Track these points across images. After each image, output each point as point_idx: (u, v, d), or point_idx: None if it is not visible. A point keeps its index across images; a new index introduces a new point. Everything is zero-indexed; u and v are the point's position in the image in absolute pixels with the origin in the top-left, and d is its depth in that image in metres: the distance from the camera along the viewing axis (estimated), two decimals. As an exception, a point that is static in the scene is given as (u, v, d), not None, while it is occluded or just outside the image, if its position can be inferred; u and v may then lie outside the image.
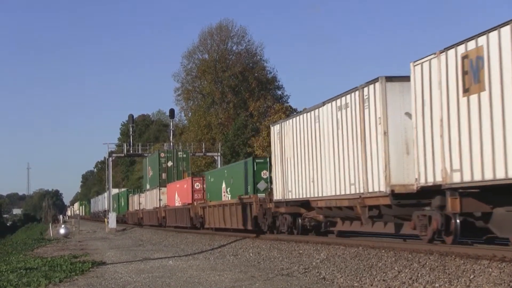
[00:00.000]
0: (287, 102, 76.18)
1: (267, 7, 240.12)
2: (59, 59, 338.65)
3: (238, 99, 76.55)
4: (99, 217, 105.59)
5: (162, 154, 57.59)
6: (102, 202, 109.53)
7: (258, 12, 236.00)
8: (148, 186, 63.97)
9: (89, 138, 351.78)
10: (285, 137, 26.37)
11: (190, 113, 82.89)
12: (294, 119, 25.73)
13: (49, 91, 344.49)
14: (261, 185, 32.24)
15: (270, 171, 29.97)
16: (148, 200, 62.40)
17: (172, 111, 70.64)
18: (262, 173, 32.29)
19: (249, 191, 32.69)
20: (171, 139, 69.17)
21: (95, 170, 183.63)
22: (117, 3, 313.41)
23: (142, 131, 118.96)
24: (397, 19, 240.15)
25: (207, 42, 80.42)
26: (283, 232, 27.54)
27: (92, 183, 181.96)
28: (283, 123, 26.90)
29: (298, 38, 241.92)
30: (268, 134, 55.46)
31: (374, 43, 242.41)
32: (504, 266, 12.93)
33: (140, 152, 69.86)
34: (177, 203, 47.92)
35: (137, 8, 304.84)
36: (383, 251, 17.61)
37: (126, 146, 67.86)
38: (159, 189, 55.63)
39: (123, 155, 68.87)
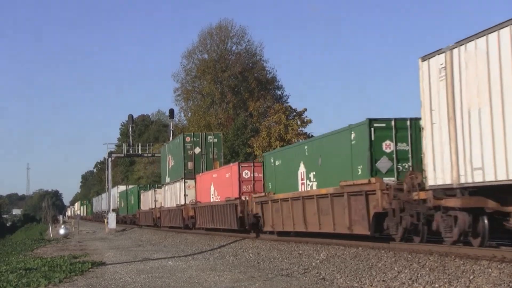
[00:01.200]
0: (287, 102, 76.03)
1: (267, 7, 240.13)
2: (59, 59, 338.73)
3: (237, 99, 76.49)
4: (103, 217, 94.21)
5: (188, 138, 45.45)
6: (106, 201, 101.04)
7: (258, 12, 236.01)
8: (167, 179, 52.68)
9: (89, 139, 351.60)
10: (464, 71, 15.55)
11: (189, 113, 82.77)
12: (492, 35, 14.57)
13: (49, 91, 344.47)
14: (384, 164, 20.59)
15: (397, 141, 20.31)
16: (167, 196, 52.21)
17: (171, 111, 70.60)
18: (384, 144, 20.55)
19: (359, 173, 21.06)
20: (170, 139, 69.12)
21: (95, 170, 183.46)
22: (117, 3, 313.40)
23: (141, 131, 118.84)
24: (397, 18, 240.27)
25: (207, 42, 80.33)
26: (448, 240, 16.77)
27: (92, 184, 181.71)
28: (457, 49, 15.79)
29: (298, 38, 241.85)
30: (268, 134, 55.51)
31: (374, 43, 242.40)
32: (503, 267, 12.93)
33: (139, 152, 69.80)
34: (214, 198, 38.16)
35: (137, 8, 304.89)
36: (383, 251, 17.61)
37: (126, 146, 67.84)
38: (184, 182, 45.14)
39: (122, 155, 68.87)
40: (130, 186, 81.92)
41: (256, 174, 32.86)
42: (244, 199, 32.39)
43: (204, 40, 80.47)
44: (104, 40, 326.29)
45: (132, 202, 73.52)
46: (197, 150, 45.09)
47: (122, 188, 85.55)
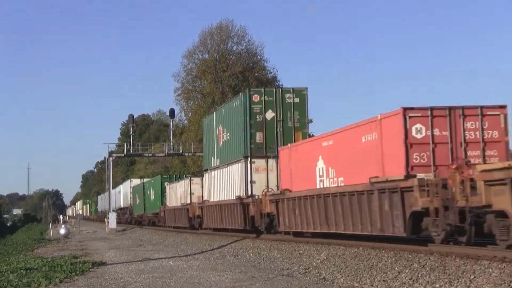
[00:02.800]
0: (288, 102, 76.04)
1: (267, 7, 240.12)
2: (59, 58, 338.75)
3: (238, 99, 76.54)
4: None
5: (256, 97, 30.93)
6: (114, 198, 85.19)
7: (258, 12, 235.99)
8: (216, 162, 37.01)
9: (89, 138, 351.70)
10: None
11: (190, 113, 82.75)
12: None
13: (49, 91, 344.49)
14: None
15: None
16: (214, 186, 37.11)
17: (172, 111, 70.57)
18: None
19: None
20: (171, 139, 69.13)
21: (95, 170, 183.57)
22: (118, 3, 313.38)
23: (142, 131, 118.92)
24: (396, 17, 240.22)
25: (207, 42, 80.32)
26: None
27: (93, 183, 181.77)
28: None
29: (298, 38, 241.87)
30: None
31: (375, 43, 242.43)
32: (504, 267, 12.93)
33: (140, 152, 69.76)
34: (329, 182, 22.62)
35: (137, 8, 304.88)
36: (383, 251, 17.61)
37: (126, 146, 67.80)
38: (250, 163, 30.30)
39: (123, 155, 68.78)
40: (146, 179, 70.57)
41: (437, 132, 18.15)
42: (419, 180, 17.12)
43: (204, 40, 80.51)
44: (105, 39, 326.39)
45: (153, 197, 60.00)
46: (270, 114, 30.71)
47: (136, 181, 74.79)
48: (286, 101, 30.77)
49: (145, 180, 69.48)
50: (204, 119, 42.16)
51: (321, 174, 23.09)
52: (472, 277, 12.89)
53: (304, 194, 23.80)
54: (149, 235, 46.06)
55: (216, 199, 36.02)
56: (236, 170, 32.28)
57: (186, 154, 68.13)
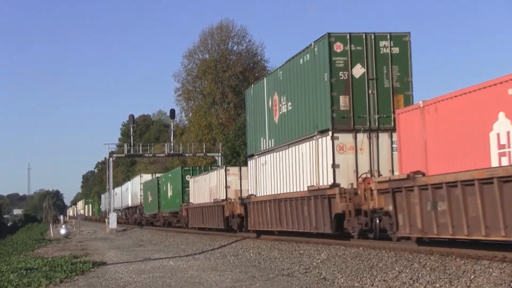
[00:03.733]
0: (288, 102, 76.08)
1: (267, 7, 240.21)
2: (59, 58, 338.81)
3: (238, 99, 76.53)
4: (120, 218, 75.55)
5: (339, 46, 22.13)
6: (119, 196, 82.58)
7: (259, 12, 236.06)
8: (268, 144, 28.41)
9: (90, 138, 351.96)
10: None
11: (190, 113, 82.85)
12: None
13: (49, 91, 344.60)
14: None
15: None
16: (266, 175, 28.50)
17: (172, 111, 70.60)
18: None
19: None
20: (171, 140, 69.17)
21: (96, 170, 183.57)
22: (118, 3, 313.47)
23: (142, 132, 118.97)
24: (396, 16, 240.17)
25: (208, 42, 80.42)
26: None
27: (93, 184, 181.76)
28: None
29: (298, 38, 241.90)
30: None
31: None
32: (504, 267, 12.93)
33: (140, 152, 69.81)
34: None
35: (137, 8, 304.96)
36: (384, 251, 17.62)
37: (127, 146, 67.81)
38: (331, 139, 21.76)
39: (123, 155, 68.79)
40: (159, 174, 63.22)
41: None
42: None
43: (205, 40, 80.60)
44: (105, 40, 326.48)
45: (170, 194, 51.63)
46: (358, 70, 22.04)
47: (147, 177, 68.36)
48: (381, 52, 22.28)
49: (159, 174, 62.36)
50: (248, 91, 32.29)
51: (503, 142, 14.27)
52: (472, 277, 12.90)
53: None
54: (150, 235, 46.06)
55: (269, 193, 27.72)
56: (305, 151, 23.89)
57: (187, 155, 68.14)
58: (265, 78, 29.41)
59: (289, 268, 18.82)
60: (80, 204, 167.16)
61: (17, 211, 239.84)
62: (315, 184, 22.75)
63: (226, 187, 35.70)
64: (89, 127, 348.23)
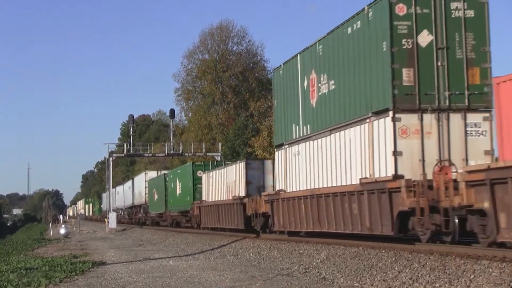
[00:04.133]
0: (288, 102, 76.10)
1: (267, 7, 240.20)
2: (59, 58, 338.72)
3: (238, 99, 76.59)
4: (117, 216, 69.58)
5: (401, 8, 18.21)
6: (122, 195, 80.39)
7: (259, 12, 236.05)
8: (302, 131, 24.59)
9: (89, 138, 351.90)
10: None
11: (190, 113, 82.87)
12: None
13: (49, 91, 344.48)
14: None
15: None
16: (299, 167, 24.67)
17: (172, 111, 70.59)
18: None
19: None
20: (171, 139, 69.18)
21: (96, 170, 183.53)
22: (118, 3, 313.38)
23: (142, 131, 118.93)
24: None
25: (208, 42, 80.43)
26: None
27: (93, 183, 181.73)
28: None
29: (298, 38, 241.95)
30: (269, 134, 55.44)
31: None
32: (504, 266, 12.93)
33: (140, 152, 69.83)
34: None
35: (137, 8, 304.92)
36: (383, 251, 17.61)
37: (127, 146, 67.80)
38: (392, 121, 18.02)
39: (123, 155, 68.79)
40: (164, 171, 60.00)
41: None
42: None
43: (204, 40, 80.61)
44: (105, 40, 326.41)
45: (180, 191, 48.08)
46: (425, 38, 18.43)
47: (152, 174, 65.11)
48: (453, 15, 18.44)
49: (165, 171, 59.51)
50: (276, 72, 27.76)
51: None
52: (472, 276, 12.90)
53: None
54: (149, 235, 46.04)
55: (304, 187, 23.94)
56: (353, 137, 20.18)
57: (186, 154, 68.14)
58: (298, 55, 24.96)
59: (288, 268, 18.81)
60: (80, 203, 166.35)
61: (16, 211, 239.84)
62: (368, 176, 18.99)
63: (247, 182, 31.93)
64: (89, 127, 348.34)
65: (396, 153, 17.80)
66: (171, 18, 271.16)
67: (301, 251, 21.43)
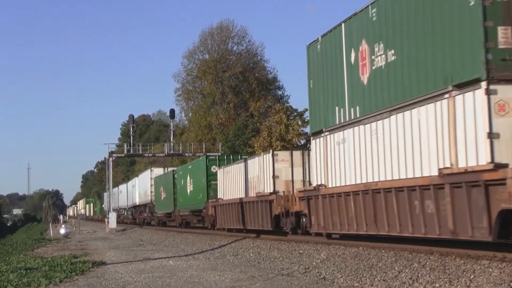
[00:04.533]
0: (288, 102, 76.12)
1: (267, 7, 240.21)
2: (59, 58, 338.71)
3: (238, 99, 76.60)
4: (119, 216, 70.77)
5: None
6: (124, 194, 79.01)
7: (259, 12, 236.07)
8: (348, 114, 20.51)
9: (90, 138, 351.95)
10: None
11: (190, 113, 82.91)
12: None
13: (49, 91, 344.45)
14: None
15: None
16: (345, 157, 20.66)
17: (172, 111, 70.55)
18: None
19: None
20: (171, 139, 69.19)
21: (96, 170, 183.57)
22: (118, 3, 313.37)
23: (142, 131, 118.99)
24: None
25: (208, 42, 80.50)
26: None
27: (93, 183, 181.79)
28: None
29: (298, 38, 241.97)
30: (269, 134, 55.38)
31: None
32: (504, 266, 12.93)
33: (140, 152, 69.82)
34: None
35: (137, 8, 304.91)
36: (383, 251, 17.61)
37: (127, 146, 67.76)
38: (485, 95, 13.85)
39: (123, 155, 68.76)
40: (172, 168, 55.70)
41: None
42: None
43: (205, 40, 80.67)
44: (105, 40, 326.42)
45: (191, 188, 43.85)
46: None
47: (158, 171, 60.97)
48: None
49: (173, 168, 54.75)
50: (312, 47, 23.37)
51: None
52: (472, 276, 12.89)
53: None
54: (149, 235, 46.03)
55: (352, 182, 20.08)
56: (424, 117, 16.26)
57: (186, 155, 68.14)
58: (342, 24, 20.71)
59: (288, 268, 18.80)
60: (81, 203, 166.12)
61: (16, 211, 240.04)
62: (449, 165, 15.03)
63: (274, 177, 28.18)
64: (89, 127, 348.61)
65: (492, 135, 13.78)
66: (171, 18, 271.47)
67: (301, 251, 21.43)
